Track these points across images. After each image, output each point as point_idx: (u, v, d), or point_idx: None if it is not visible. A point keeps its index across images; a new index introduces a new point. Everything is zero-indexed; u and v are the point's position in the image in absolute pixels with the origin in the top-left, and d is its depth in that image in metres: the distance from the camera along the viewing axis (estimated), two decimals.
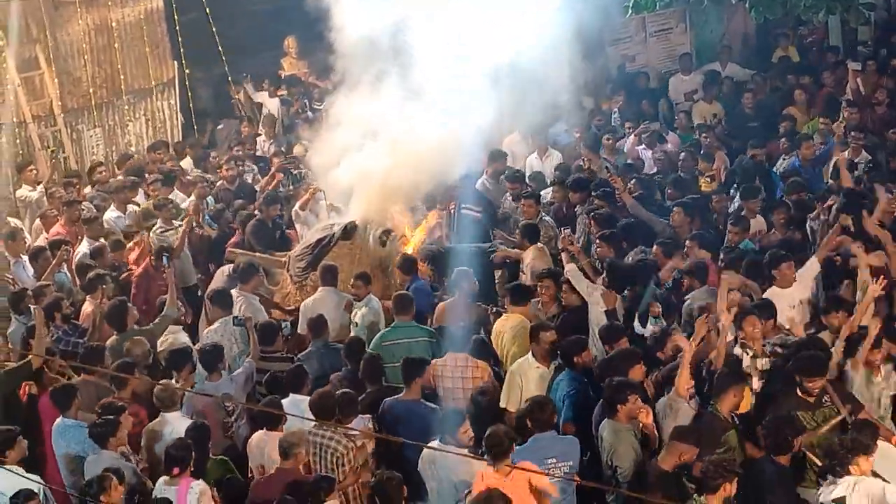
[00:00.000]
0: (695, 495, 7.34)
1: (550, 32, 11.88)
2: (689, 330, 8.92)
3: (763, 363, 8.88)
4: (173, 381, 9.65)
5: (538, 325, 9.45)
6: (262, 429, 8.81)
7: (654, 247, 10.88)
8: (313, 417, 8.49)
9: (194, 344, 10.50)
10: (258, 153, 16.48)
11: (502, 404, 9.13)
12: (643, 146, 14.93)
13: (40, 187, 14.39)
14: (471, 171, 13.35)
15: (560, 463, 8.00)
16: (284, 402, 8.98)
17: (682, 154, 14.12)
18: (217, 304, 10.82)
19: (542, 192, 13.23)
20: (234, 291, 11.04)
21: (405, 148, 11.95)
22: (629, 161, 14.54)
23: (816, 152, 13.32)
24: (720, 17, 18.05)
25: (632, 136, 15.27)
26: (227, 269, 11.87)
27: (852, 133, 13.20)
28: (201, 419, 8.90)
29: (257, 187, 14.60)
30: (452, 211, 12.89)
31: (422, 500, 8.23)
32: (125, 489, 7.83)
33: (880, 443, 7.61)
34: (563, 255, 10.96)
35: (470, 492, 7.69)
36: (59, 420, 9.08)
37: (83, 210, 13.31)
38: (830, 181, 12.46)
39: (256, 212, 13.14)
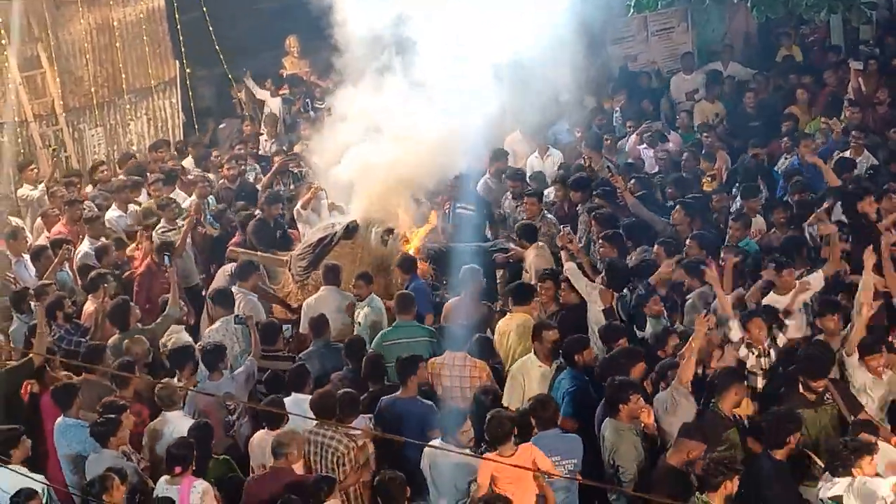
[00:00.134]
0: (696, 493, 7.35)
1: (552, 31, 11.87)
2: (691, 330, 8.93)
3: (766, 362, 8.95)
4: (175, 380, 9.66)
5: (541, 324, 9.45)
6: (263, 428, 8.80)
7: (656, 246, 10.86)
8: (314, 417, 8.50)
9: (196, 343, 10.50)
10: (260, 152, 16.49)
11: (504, 403, 9.10)
12: (644, 145, 14.92)
13: (42, 186, 14.37)
14: (471, 169, 13.36)
15: (564, 461, 8.01)
16: (287, 401, 8.96)
17: (684, 153, 14.13)
18: (219, 304, 10.81)
19: (543, 191, 13.21)
20: (233, 288, 11.04)
21: (407, 145, 11.95)
22: (630, 160, 14.53)
23: (816, 151, 13.29)
24: (722, 17, 18.06)
25: (633, 136, 15.26)
26: (228, 268, 11.84)
27: (853, 133, 13.20)
28: (203, 418, 8.91)
29: (259, 186, 14.60)
30: (447, 210, 12.90)
31: (422, 499, 8.24)
32: (127, 488, 7.81)
33: (881, 443, 7.60)
34: (563, 254, 10.96)
35: (474, 480, 7.70)
36: (60, 419, 9.08)
37: (84, 209, 13.31)
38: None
39: (258, 211, 13.13)
